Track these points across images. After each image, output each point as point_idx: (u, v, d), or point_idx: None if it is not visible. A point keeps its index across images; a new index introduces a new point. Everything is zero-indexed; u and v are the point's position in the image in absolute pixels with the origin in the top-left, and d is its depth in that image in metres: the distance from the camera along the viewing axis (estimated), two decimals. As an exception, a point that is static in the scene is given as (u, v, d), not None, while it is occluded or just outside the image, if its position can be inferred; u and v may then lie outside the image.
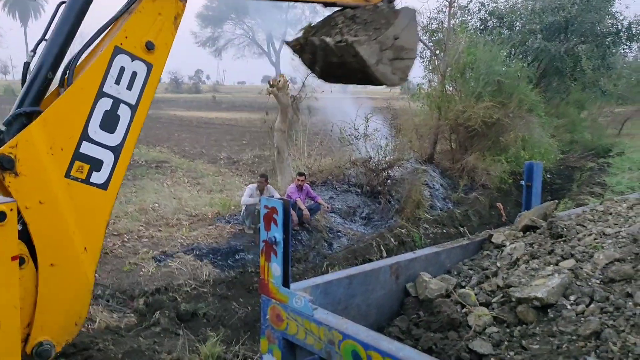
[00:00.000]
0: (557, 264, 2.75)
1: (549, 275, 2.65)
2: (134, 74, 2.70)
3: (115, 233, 8.34)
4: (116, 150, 2.69)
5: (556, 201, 3.57)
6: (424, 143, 15.65)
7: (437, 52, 16.08)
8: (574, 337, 2.32)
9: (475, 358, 2.46)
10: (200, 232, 8.83)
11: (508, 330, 2.56)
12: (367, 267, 2.84)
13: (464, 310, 2.75)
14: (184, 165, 14.61)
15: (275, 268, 2.33)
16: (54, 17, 2.68)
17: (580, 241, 2.83)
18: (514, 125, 14.75)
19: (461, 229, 12.53)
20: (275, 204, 2.28)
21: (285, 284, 2.33)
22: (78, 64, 2.65)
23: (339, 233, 10.28)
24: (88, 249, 2.65)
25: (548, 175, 16.76)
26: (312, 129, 14.48)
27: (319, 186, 11.99)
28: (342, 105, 15.33)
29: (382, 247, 9.86)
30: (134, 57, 2.69)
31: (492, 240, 3.47)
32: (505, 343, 2.48)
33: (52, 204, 2.50)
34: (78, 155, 2.56)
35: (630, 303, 2.35)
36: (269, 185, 9.19)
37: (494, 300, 2.80)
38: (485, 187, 14.61)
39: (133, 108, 2.72)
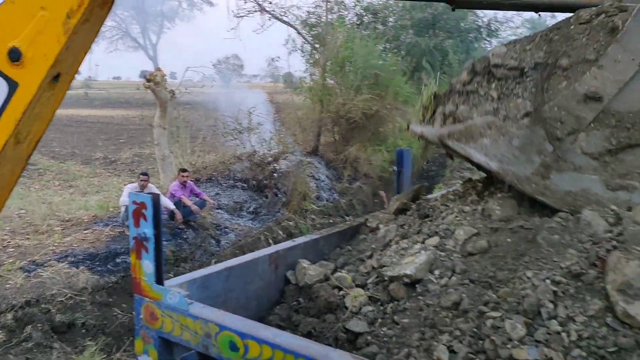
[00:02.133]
0: (423, 242, 2.94)
1: (416, 253, 2.83)
2: None
3: (-26, 244, 7.56)
4: None
5: (425, 183, 3.81)
6: (308, 136, 15.93)
7: (317, 46, 16.40)
8: (438, 309, 2.50)
9: (352, 337, 2.56)
10: (74, 238, 8.28)
11: (382, 308, 2.69)
12: (245, 258, 2.84)
13: (341, 293, 2.85)
14: (54, 167, 13.56)
15: (147, 265, 2.25)
16: None
17: (443, 220, 3.05)
18: (391, 116, 15.50)
19: (347, 218, 12.96)
20: (144, 199, 2.20)
21: (159, 281, 2.26)
22: None
23: (226, 229, 10.17)
24: None
25: (425, 163, 17.86)
26: (195, 125, 14.12)
27: (204, 183, 11.76)
28: (225, 99, 15.12)
29: (270, 240, 9.90)
30: None
31: (368, 224, 3.63)
32: (379, 320, 2.60)
33: None
34: None
35: (485, 273, 2.58)
36: (150, 184, 8.83)
37: (369, 281, 2.93)
38: (368, 176, 15.22)
39: None
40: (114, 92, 45.28)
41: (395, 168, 4.11)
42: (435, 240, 2.92)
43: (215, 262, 8.65)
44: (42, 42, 1.98)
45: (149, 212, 2.19)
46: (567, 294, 2.29)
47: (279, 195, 12.07)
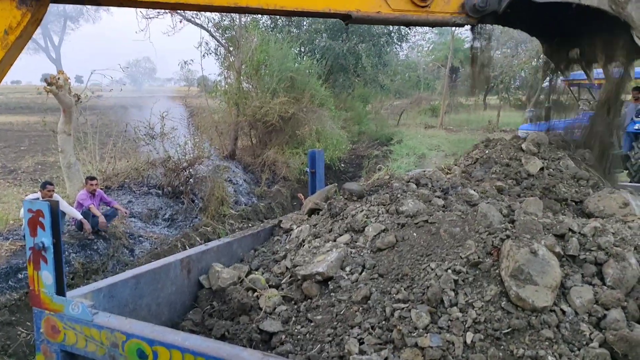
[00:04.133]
0: (335, 240, 3.02)
1: (328, 251, 2.89)
2: None
3: None
4: None
5: (335, 184, 3.89)
6: (224, 140, 15.72)
7: (231, 49, 16.23)
8: (349, 304, 2.57)
9: (266, 337, 2.57)
10: (-30, 253, 7.64)
11: (295, 306, 2.73)
12: (155, 264, 2.76)
13: (255, 294, 2.86)
14: (-55, 178, 12.45)
15: (47, 276, 2.13)
16: None
17: (354, 217, 3.13)
18: (308, 119, 15.65)
19: (266, 221, 12.92)
20: (41, 206, 2.09)
21: (60, 292, 2.15)
22: None
23: (140, 238, 9.80)
24: None
25: (342, 164, 18.18)
26: (104, 131, 13.49)
27: (116, 190, 11.26)
28: (137, 104, 14.58)
29: (187, 247, 9.66)
30: None
31: (282, 225, 3.66)
32: (293, 319, 2.64)
33: None
34: None
35: (393, 267, 2.68)
36: (55, 194, 8.32)
37: (283, 281, 2.96)
38: (286, 179, 15.26)
39: None
40: (13, 97, 42.22)
41: (308, 169, 4.16)
42: (346, 237, 3.00)
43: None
44: None
45: (46, 220, 2.09)
46: (467, 282, 2.44)
47: (196, 201, 11.81)
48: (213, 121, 15.43)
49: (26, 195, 9.33)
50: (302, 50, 20.13)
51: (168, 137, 12.02)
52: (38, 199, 6.72)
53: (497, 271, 2.43)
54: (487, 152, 3.96)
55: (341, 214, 3.31)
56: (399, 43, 23.46)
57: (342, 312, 2.54)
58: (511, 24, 3.54)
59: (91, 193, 8.81)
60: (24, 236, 8.08)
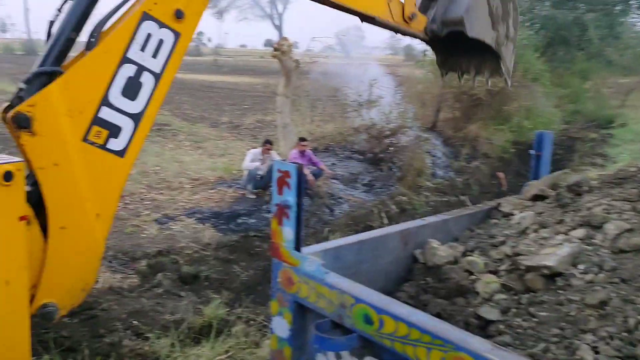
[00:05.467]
0: (566, 234, 2.75)
1: (558, 244, 2.65)
2: (161, 42, 2.65)
3: (118, 195, 8.37)
4: (136, 118, 2.66)
5: (566, 171, 3.55)
6: (427, 111, 15.54)
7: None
8: (581, 306, 2.34)
9: (483, 324, 2.48)
10: (202, 196, 8.85)
11: (516, 297, 2.58)
12: (376, 233, 2.84)
13: (472, 277, 2.76)
14: (185, 128, 14.53)
15: (288, 232, 2.32)
16: None
17: (590, 211, 2.82)
18: (518, 95, 14.60)
19: (462, 197, 12.57)
20: (289, 168, 2.26)
21: (297, 248, 2.33)
22: (105, 29, 2.59)
23: (340, 199, 10.30)
24: (100, 215, 2.64)
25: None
26: (315, 95, 14.35)
27: (321, 152, 11.97)
28: (346, 71, 15.14)
29: (383, 214, 9.90)
30: (161, 25, 2.62)
31: (500, 209, 3.47)
32: (513, 310, 2.50)
33: (66, 167, 2.48)
34: (97, 120, 2.54)
35: (639, 273, 2.36)
36: (272, 152, 9.16)
37: (501, 268, 2.81)
38: (487, 156, 14.59)
39: (157, 77, 2.68)
40: (240, 60, 47.26)
41: (533, 151, 3.86)
42: (580, 232, 2.71)
43: (329, 231, 8.86)
44: (193, 4, 2.76)
45: (292, 181, 2.25)
46: None
47: (394, 170, 11.97)
48: (417, 91, 15.31)
49: (247, 150, 10.43)
50: (520, 19, 18.70)
51: (374, 105, 12.29)
52: (259, 154, 7.43)
53: None
54: None
55: (573, 205, 3.01)
56: (639, 12, 20.33)
57: (572, 314, 2.32)
58: (432, 46, 4.55)
59: (301, 153, 9.48)
60: (244, 187, 9.09)
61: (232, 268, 7.26)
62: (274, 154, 9.16)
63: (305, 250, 2.40)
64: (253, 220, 8.30)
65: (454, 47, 4.44)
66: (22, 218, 2.41)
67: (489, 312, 2.48)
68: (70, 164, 2.48)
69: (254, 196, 8.96)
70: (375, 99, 12.43)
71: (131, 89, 2.60)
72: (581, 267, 2.52)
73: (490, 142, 14.49)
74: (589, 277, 2.46)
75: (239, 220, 8.26)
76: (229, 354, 4.97)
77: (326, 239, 7.62)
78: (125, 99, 2.59)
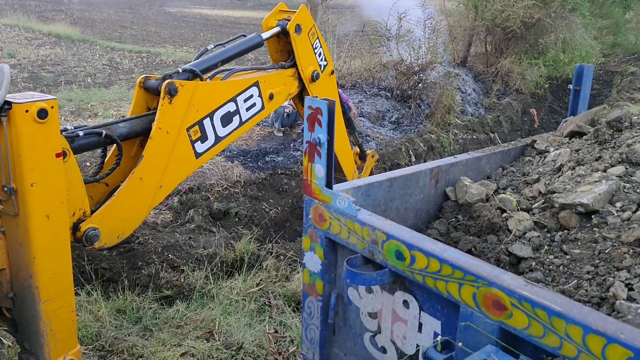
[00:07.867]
0: (604, 171, 2.68)
1: (595, 181, 2.59)
2: (253, 104, 3.65)
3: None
4: (218, 139, 3.44)
5: (605, 106, 3.41)
6: (457, 45, 15.01)
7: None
8: (617, 244, 2.31)
9: (515, 261, 2.48)
10: (230, 134, 8.87)
11: (549, 235, 2.55)
12: (407, 170, 2.82)
13: (504, 215, 2.74)
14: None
15: (319, 169, 2.32)
16: (234, 39, 3.92)
17: (630, 147, 2.73)
18: (555, 26, 13.89)
19: (492, 135, 12.34)
20: (320, 105, 2.22)
21: (329, 185, 2.33)
22: (233, 73, 3.61)
23: (367, 137, 10.22)
24: (162, 188, 3.16)
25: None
26: (342, 30, 13.94)
27: (348, 89, 11.77)
28: (375, 3, 14.59)
29: (411, 152, 9.82)
30: (260, 95, 3.68)
31: (535, 146, 3.39)
32: (546, 247, 2.48)
33: (171, 138, 3.11)
34: (200, 123, 3.30)
35: (679, 211, 2.30)
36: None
37: (534, 205, 2.78)
38: (520, 92, 14.17)
39: (241, 122, 3.59)
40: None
41: (571, 86, 3.71)
42: (619, 169, 2.64)
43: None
44: (279, 96, 3.91)
45: (324, 118, 2.22)
46: None
47: (422, 107, 11.72)
48: (448, 25, 14.72)
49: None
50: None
51: (403, 40, 11.89)
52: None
53: None
54: None
55: (612, 141, 2.91)
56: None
57: (606, 251, 2.29)
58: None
59: (329, 90, 9.35)
60: (271, 124, 9.07)
61: (260, 205, 7.38)
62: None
63: (336, 187, 2.41)
64: (280, 158, 8.33)
65: None
66: (58, 155, 2.47)
67: (521, 249, 2.47)
68: (174, 138, 3.12)
69: (281, 134, 8.95)
70: (404, 34, 12.00)
71: (226, 119, 3.46)
72: (618, 204, 2.48)
73: (523, 78, 14.01)
74: (625, 214, 2.41)
75: (267, 158, 8.31)
76: (261, 286, 5.15)
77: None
78: (220, 122, 3.43)
